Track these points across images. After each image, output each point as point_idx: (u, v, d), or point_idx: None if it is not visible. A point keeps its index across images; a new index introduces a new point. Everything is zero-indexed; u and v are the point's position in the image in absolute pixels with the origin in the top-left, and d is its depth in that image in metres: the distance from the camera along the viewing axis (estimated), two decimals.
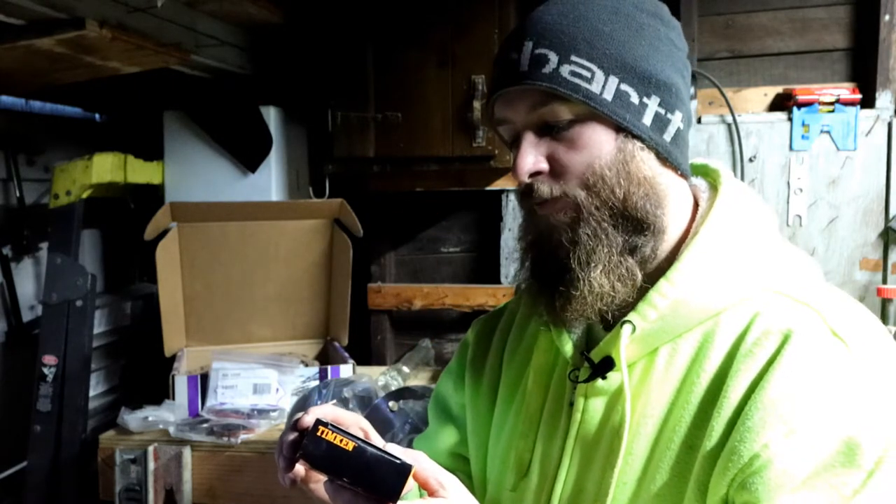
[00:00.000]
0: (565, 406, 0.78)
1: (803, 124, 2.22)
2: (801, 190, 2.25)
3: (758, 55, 2.34)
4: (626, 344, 0.72)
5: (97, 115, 2.61)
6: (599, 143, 0.72)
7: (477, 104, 2.10)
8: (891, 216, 2.19)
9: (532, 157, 0.73)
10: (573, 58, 0.71)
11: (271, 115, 2.33)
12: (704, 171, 0.82)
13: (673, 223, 0.76)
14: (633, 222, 0.72)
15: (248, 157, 2.33)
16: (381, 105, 2.19)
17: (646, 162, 0.73)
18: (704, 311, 0.71)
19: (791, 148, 2.25)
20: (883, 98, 2.20)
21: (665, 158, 0.74)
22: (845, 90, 2.21)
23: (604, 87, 0.71)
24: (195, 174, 2.34)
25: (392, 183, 2.46)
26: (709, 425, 0.67)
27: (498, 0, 2.10)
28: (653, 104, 0.73)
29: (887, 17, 2.18)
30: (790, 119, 2.24)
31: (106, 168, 2.11)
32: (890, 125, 2.19)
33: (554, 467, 0.77)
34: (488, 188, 2.44)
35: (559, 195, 0.73)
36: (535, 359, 0.83)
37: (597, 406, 0.75)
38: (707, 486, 0.67)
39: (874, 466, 0.62)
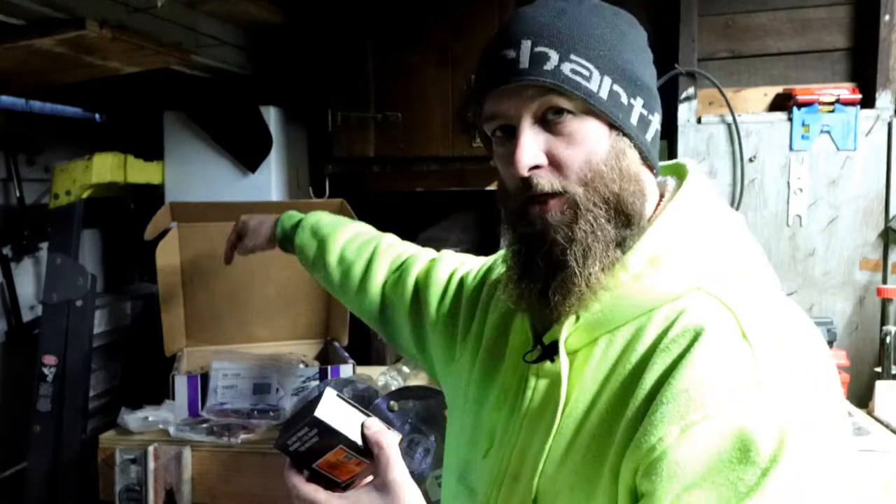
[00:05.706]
0: (523, 384, 0.84)
1: (803, 124, 2.22)
2: (801, 190, 2.25)
3: (758, 55, 2.34)
4: (567, 332, 0.78)
5: (97, 115, 2.61)
6: (596, 139, 0.75)
7: None
8: (891, 216, 2.19)
9: (533, 151, 0.75)
10: (573, 56, 0.74)
11: (271, 115, 2.33)
12: (677, 171, 0.85)
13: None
14: (624, 217, 0.76)
15: (248, 157, 2.33)
16: (381, 105, 2.19)
17: (633, 159, 0.77)
18: (639, 307, 0.76)
19: (791, 148, 2.24)
20: (883, 98, 2.20)
21: (645, 157, 0.79)
22: (845, 90, 2.21)
23: (600, 85, 0.74)
24: (195, 174, 2.34)
25: (392, 183, 2.46)
26: (624, 414, 0.72)
27: (498, 0, 2.10)
28: (638, 105, 0.77)
29: (887, 17, 2.18)
30: (790, 119, 2.24)
31: (106, 168, 2.11)
32: (890, 125, 2.19)
33: (511, 440, 0.83)
34: (488, 188, 2.43)
35: (559, 191, 0.75)
36: (511, 338, 0.89)
37: (543, 386, 0.81)
38: (619, 472, 0.71)
39: (769, 464, 0.63)
